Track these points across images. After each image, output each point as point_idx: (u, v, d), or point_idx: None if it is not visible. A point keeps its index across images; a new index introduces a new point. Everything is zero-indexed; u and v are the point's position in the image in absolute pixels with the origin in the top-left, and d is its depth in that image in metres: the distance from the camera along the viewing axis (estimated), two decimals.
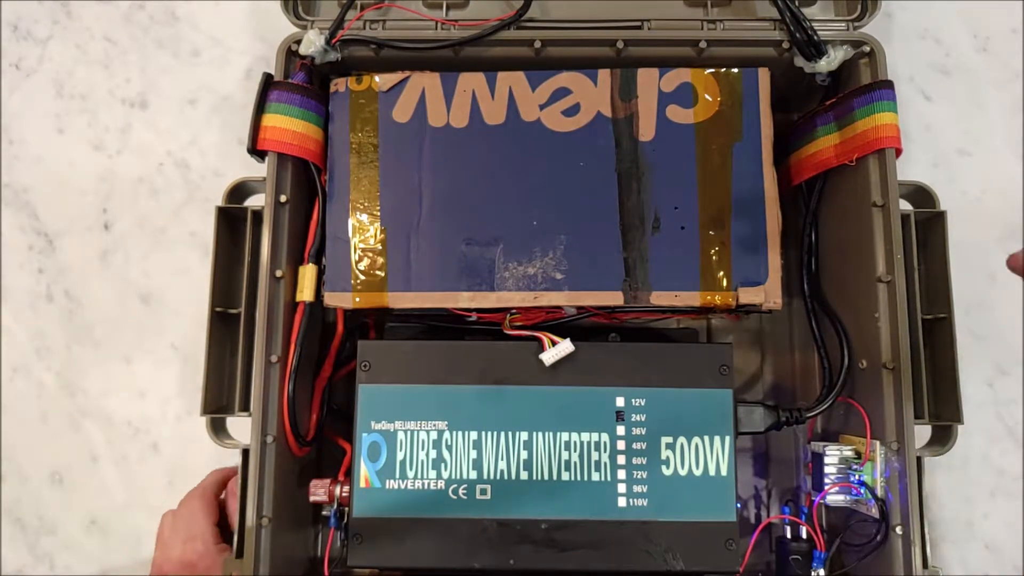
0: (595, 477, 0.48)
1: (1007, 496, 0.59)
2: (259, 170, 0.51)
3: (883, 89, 0.49)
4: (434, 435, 0.48)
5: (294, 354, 0.48)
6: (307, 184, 0.52)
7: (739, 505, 0.47)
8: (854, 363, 0.51)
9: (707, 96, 0.51)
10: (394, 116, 0.51)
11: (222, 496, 0.53)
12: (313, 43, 0.50)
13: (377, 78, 0.52)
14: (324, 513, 0.50)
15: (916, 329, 0.50)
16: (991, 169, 0.62)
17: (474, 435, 0.48)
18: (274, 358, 0.48)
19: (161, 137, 0.63)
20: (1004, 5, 0.65)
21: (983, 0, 0.64)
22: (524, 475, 0.48)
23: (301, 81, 0.50)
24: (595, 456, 0.48)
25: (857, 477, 0.49)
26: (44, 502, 0.59)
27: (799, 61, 0.51)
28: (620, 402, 0.48)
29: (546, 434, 0.48)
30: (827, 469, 0.51)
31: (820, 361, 0.54)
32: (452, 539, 0.47)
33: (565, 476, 0.48)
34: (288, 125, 0.49)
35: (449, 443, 0.48)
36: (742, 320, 0.58)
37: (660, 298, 0.49)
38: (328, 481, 0.50)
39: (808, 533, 0.51)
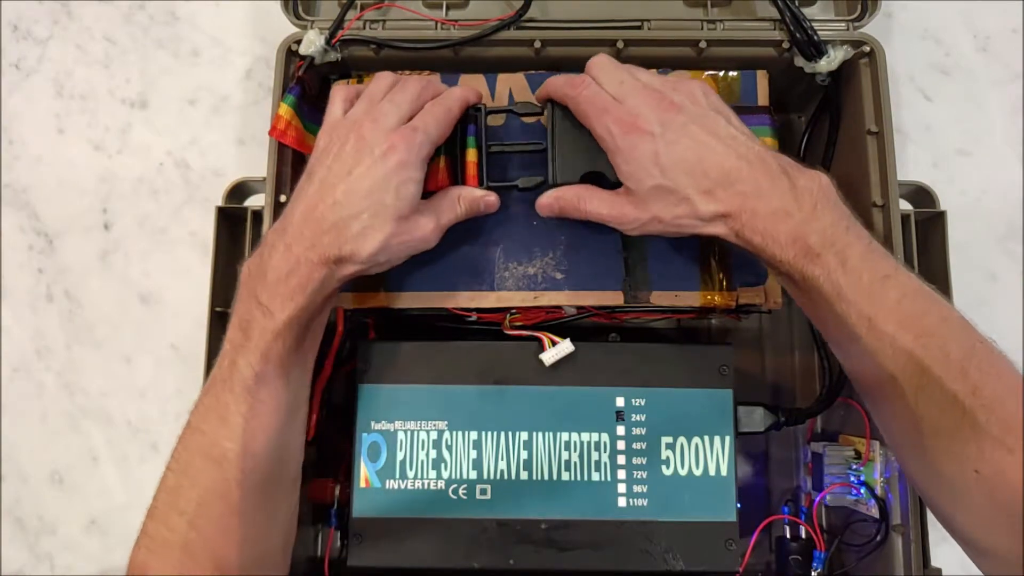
0: (595, 477, 0.48)
1: None
2: (259, 170, 0.51)
3: (762, 114, 0.50)
4: (434, 435, 0.48)
5: None
6: None
7: (739, 505, 0.47)
8: None
9: None
10: None
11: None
12: (313, 43, 0.50)
13: None
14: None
15: None
16: (991, 169, 0.62)
17: (474, 435, 0.48)
18: None
19: (161, 137, 0.63)
20: (1004, 5, 0.65)
21: (983, 0, 0.64)
22: (524, 475, 0.48)
23: (296, 95, 0.49)
24: (595, 456, 0.48)
25: (857, 477, 0.49)
26: (44, 502, 0.59)
27: (799, 61, 0.51)
28: (620, 402, 0.48)
29: (546, 434, 0.48)
30: (827, 469, 0.51)
31: (820, 361, 0.54)
32: (452, 539, 0.47)
33: (565, 476, 0.48)
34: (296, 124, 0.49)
35: (449, 443, 0.48)
36: (742, 320, 0.58)
37: (660, 298, 0.49)
38: (328, 481, 0.50)
39: (808, 533, 0.51)
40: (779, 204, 0.39)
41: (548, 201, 0.45)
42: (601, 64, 0.44)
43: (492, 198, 0.46)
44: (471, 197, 0.46)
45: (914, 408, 0.37)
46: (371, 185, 0.40)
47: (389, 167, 0.40)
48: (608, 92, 0.42)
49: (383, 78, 0.45)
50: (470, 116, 0.47)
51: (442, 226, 0.44)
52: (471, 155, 0.47)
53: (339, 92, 0.45)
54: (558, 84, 0.45)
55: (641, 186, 0.41)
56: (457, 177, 0.47)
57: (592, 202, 0.44)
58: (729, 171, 0.40)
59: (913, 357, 0.37)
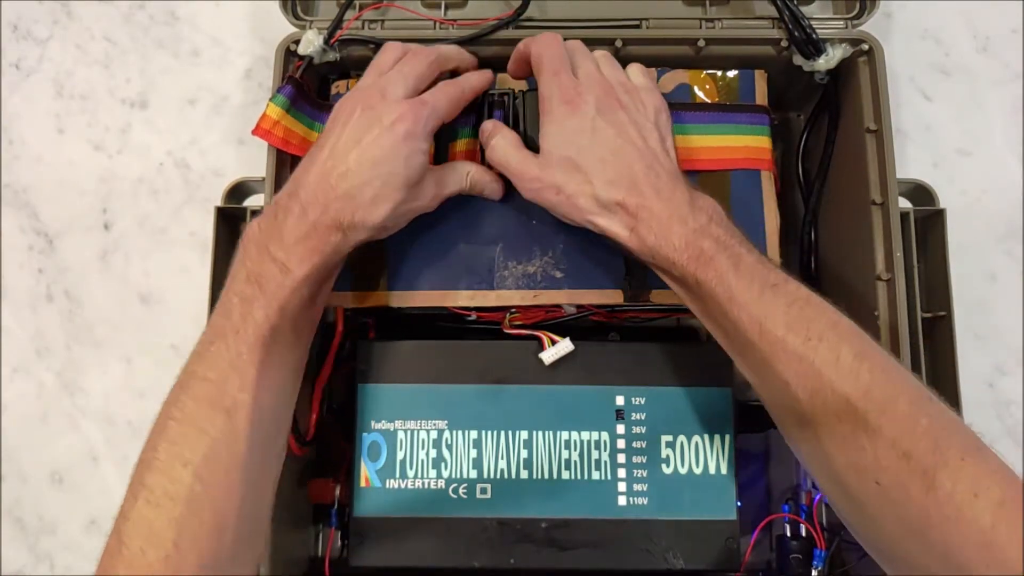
0: (595, 476, 0.48)
1: None
2: (259, 170, 0.51)
3: (760, 114, 0.51)
4: (434, 434, 0.48)
5: None
6: None
7: (739, 503, 0.47)
8: None
9: (704, 97, 0.51)
10: None
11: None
12: (312, 43, 0.50)
13: None
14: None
15: (916, 327, 0.50)
16: (991, 169, 0.62)
17: (474, 434, 0.48)
18: None
19: (161, 137, 0.63)
20: (1004, 5, 0.65)
21: (983, 0, 0.64)
22: (524, 474, 0.48)
23: (288, 96, 0.49)
24: (595, 455, 0.48)
25: None
26: (44, 502, 0.59)
27: (798, 60, 0.51)
28: (620, 401, 0.48)
29: (546, 433, 0.48)
30: None
31: None
32: (452, 538, 0.47)
33: (565, 475, 0.48)
34: (294, 127, 0.49)
35: (449, 442, 0.48)
36: None
37: (660, 296, 0.49)
38: (328, 481, 0.50)
39: (808, 531, 0.51)
40: (676, 211, 0.40)
41: (489, 127, 0.46)
42: (578, 45, 0.46)
43: (498, 186, 0.47)
44: (480, 179, 0.47)
45: (811, 416, 0.37)
46: (380, 155, 0.41)
47: (397, 137, 0.41)
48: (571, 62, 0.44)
49: (391, 49, 0.46)
50: (497, 102, 0.48)
51: (443, 195, 0.45)
52: None
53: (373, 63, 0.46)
54: (536, 39, 0.46)
55: (555, 151, 0.42)
56: (481, 161, 0.48)
57: (506, 150, 0.45)
58: (637, 174, 0.41)
59: (805, 360, 0.36)
